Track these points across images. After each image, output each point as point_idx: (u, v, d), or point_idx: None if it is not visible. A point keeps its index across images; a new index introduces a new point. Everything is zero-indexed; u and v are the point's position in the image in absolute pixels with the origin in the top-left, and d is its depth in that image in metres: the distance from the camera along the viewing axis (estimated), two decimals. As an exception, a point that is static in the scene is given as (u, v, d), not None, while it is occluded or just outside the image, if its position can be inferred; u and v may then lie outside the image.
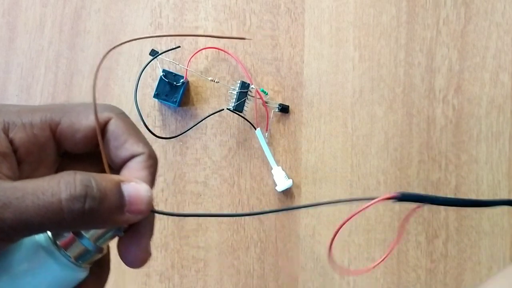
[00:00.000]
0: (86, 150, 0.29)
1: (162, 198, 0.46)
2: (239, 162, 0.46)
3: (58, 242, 0.27)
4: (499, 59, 0.44)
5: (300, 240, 0.45)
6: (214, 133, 0.46)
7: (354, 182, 0.45)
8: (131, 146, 0.28)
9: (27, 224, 0.23)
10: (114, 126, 0.28)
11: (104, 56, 0.27)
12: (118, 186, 0.25)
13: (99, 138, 0.27)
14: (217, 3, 0.46)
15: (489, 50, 0.44)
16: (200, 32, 0.47)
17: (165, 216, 0.46)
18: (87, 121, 0.27)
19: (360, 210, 0.27)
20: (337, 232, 0.27)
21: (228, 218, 0.46)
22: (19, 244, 0.27)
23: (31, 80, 0.48)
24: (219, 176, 0.46)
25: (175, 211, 0.46)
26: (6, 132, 0.26)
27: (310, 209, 0.45)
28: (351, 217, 0.28)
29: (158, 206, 0.46)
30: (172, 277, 0.46)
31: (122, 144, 0.28)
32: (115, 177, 0.26)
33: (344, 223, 0.28)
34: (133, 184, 0.26)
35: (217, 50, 0.46)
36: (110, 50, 0.27)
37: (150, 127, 0.44)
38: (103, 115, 0.28)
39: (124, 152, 0.28)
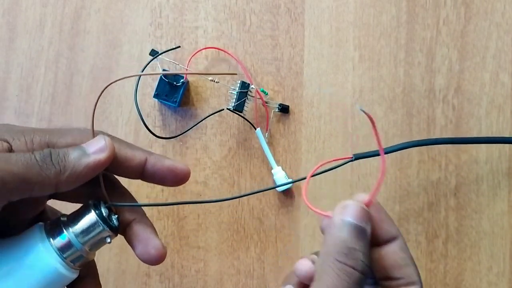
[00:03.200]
0: None
1: (162, 198, 0.46)
2: (239, 162, 0.46)
3: (55, 244, 0.30)
4: (499, 59, 0.44)
5: (300, 240, 0.45)
6: (214, 133, 0.46)
7: (354, 182, 0.45)
8: (132, 157, 0.33)
9: (15, 176, 0.28)
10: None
11: (100, 95, 0.32)
12: (78, 146, 0.31)
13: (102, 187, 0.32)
14: (217, 3, 0.46)
15: (489, 50, 0.44)
16: (200, 32, 0.47)
17: (165, 217, 0.46)
18: None
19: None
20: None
21: (228, 218, 0.46)
22: (20, 243, 0.31)
23: (31, 80, 0.48)
24: (219, 176, 0.46)
25: (175, 211, 0.46)
26: (10, 147, 0.30)
27: (310, 210, 0.45)
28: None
29: (158, 206, 0.46)
30: (172, 277, 0.46)
31: (124, 159, 0.33)
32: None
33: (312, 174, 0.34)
34: (89, 142, 0.31)
35: (217, 50, 0.46)
36: (105, 88, 0.32)
37: (150, 127, 0.44)
38: None
39: (131, 163, 0.33)
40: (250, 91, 0.44)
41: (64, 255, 0.31)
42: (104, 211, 0.32)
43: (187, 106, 0.46)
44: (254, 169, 0.46)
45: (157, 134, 0.45)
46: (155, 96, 0.45)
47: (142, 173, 0.33)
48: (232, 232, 0.46)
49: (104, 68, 0.47)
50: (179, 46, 0.46)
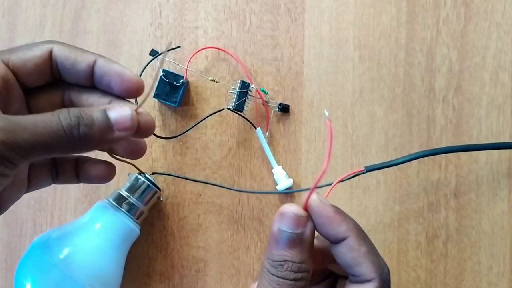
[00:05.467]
0: (41, 81, 0.34)
1: (162, 197, 0.46)
2: (239, 162, 0.46)
3: (124, 209, 0.42)
4: (499, 59, 0.44)
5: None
6: (214, 133, 0.46)
7: (354, 182, 0.45)
8: (82, 59, 0.33)
9: (41, 144, 0.29)
10: (59, 51, 0.33)
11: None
12: (103, 112, 0.31)
13: None
14: (217, 3, 0.46)
15: (489, 50, 0.44)
16: (200, 32, 0.47)
17: (165, 217, 0.46)
18: (32, 53, 0.33)
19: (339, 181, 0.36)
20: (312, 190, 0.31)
21: (228, 218, 0.46)
22: (95, 216, 0.41)
23: (31, 80, 0.48)
24: (219, 176, 0.46)
25: (175, 211, 0.46)
26: None
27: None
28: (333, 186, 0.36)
29: (158, 206, 0.46)
30: (172, 277, 0.46)
31: (74, 61, 0.33)
32: (101, 106, 0.32)
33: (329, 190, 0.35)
34: (117, 108, 0.32)
35: (217, 50, 0.46)
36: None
37: (150, 127, 0.44)
38: (44, 47, 0.33)
39: (80, 66, 0.33)
40: (250, 91, 0.44)
41: (132, 214, 0.42)
42: (148, 177, 0.43)
43: (187, 106, 0.46)
44: (254, 169, 0.46)
45: (157, 134, 0.45)
46: (155, 96, 0.45)
47: (91, 77, 0.34)
48: (232, 232, 0.46)
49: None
50: (179, 46, 0.46)
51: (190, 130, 0.46)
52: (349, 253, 0.30)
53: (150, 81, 0.47)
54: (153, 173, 0.45)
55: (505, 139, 0.44)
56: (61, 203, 0.46)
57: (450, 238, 0.44)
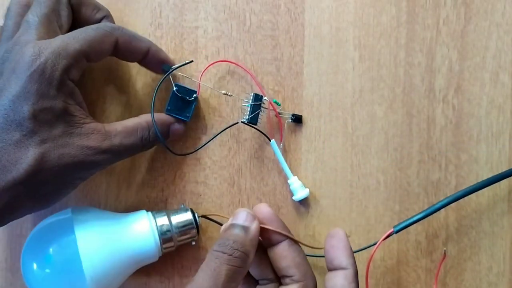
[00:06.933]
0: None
1: (162, 198, 0.46)
2: (239, 162, 0.46)
3: (158, 223, 0.42)
4: (499, 59, 0.44)
5: (300, 240, 0.45)
6: (214, 134, 0.46)
7: (354, 182, 0.45)
8: (139, 48, 0.43)
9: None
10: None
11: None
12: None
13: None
14: (217, 3, 0.46)
15: (489, 50, 0.44)
16: (200, 32, 0.46)
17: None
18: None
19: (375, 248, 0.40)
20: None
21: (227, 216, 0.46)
22: (131, 220, 0.43)
23: (31, 80, 0.48)
24: (219, 176, 0.46)
25: (175, 211, 0.46)
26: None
27: (310, 209, 0.46)
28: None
29: (158, 206, 0.46)
30: (172, 277, 0.47)
31: (133, 49, 0.43)
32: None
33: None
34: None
35: (228, 63, 0.45)
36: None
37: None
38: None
39: (137, 54, 0.44)
40: (263, 103, 0.44)
41: (163, 242, 0.42)
42: (197, 217, 0.44)
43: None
44: (254, 169, 0.46)
45: (169, 148, 0.43)
46: (168, 111, 0.44)
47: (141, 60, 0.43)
48: (232, 232, 0.46)
49: (104, 68, 0.47)
50: (192, 61, 0.45)
51: (206, 144, 0.45)
52: (287, 252, 0.37)
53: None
54: (202, 216, 0.45)
55: (505, 139, 0.44)
56: (61, 203, 0.46)
57: (450, 238, 0.44)
